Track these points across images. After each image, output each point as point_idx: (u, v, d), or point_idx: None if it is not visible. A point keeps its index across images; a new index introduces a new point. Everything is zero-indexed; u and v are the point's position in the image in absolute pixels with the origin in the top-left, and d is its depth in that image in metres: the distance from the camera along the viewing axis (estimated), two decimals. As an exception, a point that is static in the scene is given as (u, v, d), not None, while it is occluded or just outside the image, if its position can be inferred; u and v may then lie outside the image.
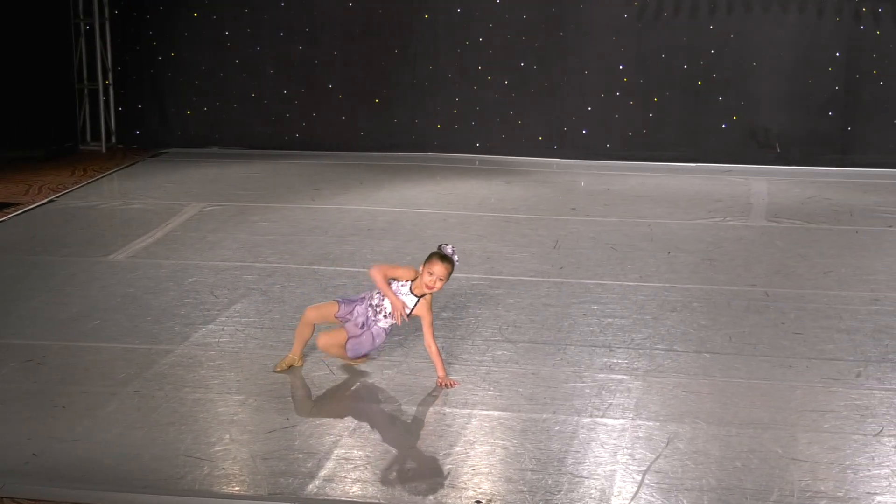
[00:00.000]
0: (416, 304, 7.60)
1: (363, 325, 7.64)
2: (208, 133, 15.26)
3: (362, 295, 7.77)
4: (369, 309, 7.65)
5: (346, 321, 7.67)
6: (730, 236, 11.23)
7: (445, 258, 7.59)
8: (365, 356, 7.85)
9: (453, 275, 9.74)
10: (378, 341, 7.71)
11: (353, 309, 7.66)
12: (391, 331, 7.82)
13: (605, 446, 6.76)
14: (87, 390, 7.51)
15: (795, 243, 11.00)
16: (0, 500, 6.10)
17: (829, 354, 8.19)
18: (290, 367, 7.80)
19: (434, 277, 7.53)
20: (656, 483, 6.32)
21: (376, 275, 7.61)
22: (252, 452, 6.68)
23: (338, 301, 7.75)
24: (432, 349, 7.60)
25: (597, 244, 10.90)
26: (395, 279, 7.64)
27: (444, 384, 7.56)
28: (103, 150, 15.19)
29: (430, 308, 7.65)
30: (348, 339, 7.64)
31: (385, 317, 7.64)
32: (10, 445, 6.71)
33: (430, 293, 7.61)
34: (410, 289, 7.60)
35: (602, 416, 7.15)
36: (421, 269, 7.60)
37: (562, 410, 7.24)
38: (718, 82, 14.35)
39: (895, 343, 8.40)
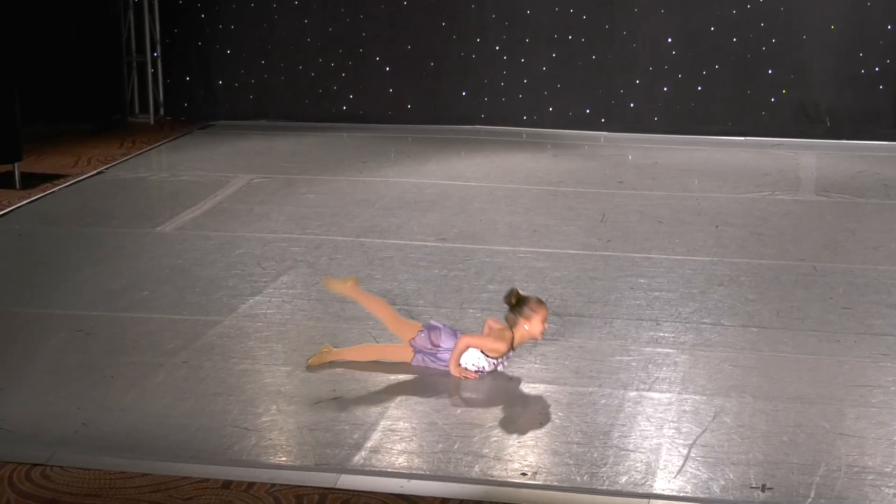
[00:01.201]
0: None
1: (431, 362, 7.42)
2: (256, 106, 15.29)
3: (438, 345, 7.38)
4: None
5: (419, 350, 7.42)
6: (778, 210, 11.17)
7: (542, 301, 7.40)
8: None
9: (501, 248, 9.81)
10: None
11: (431, 350, 7.36)
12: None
13: (652, 420, 6.76)
14: (135, 361, 7.56)
15: (844, 218, 10.93)
16: (50, 468, 6.16)
17: (878, 329, 8.14)
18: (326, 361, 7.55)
19: (544, 326, 7.31)
20: (702, 457, 6.32)
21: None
22: (299, 423, 6.71)
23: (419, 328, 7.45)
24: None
25: (644, 218, 10.87)
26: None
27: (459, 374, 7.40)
28: (151, 122, 15.27)
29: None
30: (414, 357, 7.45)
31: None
32: (60, 415, 6.78)
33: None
34: (514, 347, 7.34)
35: (648, 390, 7.15)
36: (520, 320, 7.26)
37: (608, 384, 7.23)
38: (768, 56, 14.24)
39: (945, 318, 8.36)
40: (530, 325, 7.28)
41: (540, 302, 7.34)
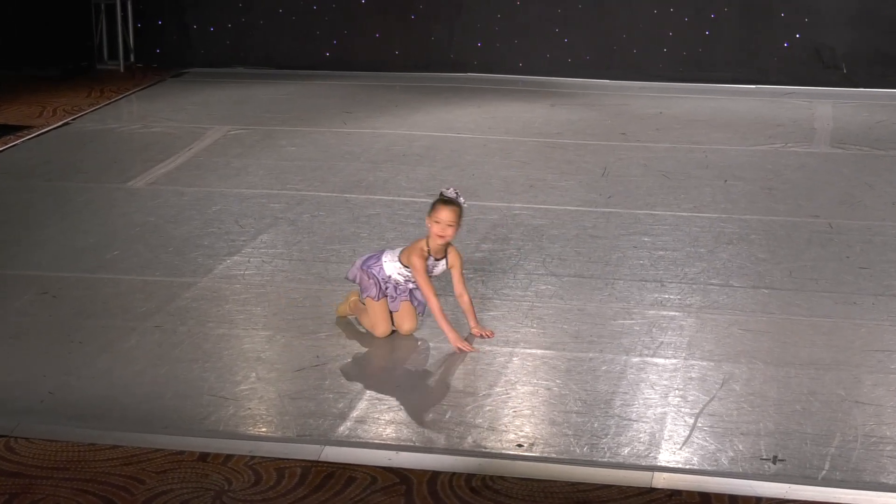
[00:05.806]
0: (444, 261, 7.32)
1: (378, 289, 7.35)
2: (233, 51, 15.23)
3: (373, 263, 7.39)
4: (388, 286, 7.35)
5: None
6: (791, 163, 11.17)
7: (449, 201, 7.19)
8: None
9: (495, 204, 9.78)
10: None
11: (371, 277, 7.34)
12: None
13: (656, 387, 6.76)
14: (105, 325, 7.55)
15: (862, 171, 10.93)
16: (14, 439, 6.15)
17: (897, 290, 8.17)
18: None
19: (442, 225, 7.13)
20: (710, 427, 6.32)
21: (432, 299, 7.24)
22: (280, 392, 6.71)
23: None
24: (464, 299, 7.38)
25: (648, 172, 10.86)
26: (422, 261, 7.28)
27: (478, 334, 7.42)
28: (121, 69, 15.21)
29: (460, 257, 7.36)
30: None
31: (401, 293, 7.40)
32: (25, 383, 6.77)
33: (447, 242, 7.23)
34: (432, 254, 7.25)
35: (652, 356, 7.15)
36: (427, 222, 7.24)
37: (609, 349, 7.24)
38: (780, -3, 14.25)
39: (968, 279, 8.37)
40: (429, 226, 7.20)
41: (445, 202, 7.18)
